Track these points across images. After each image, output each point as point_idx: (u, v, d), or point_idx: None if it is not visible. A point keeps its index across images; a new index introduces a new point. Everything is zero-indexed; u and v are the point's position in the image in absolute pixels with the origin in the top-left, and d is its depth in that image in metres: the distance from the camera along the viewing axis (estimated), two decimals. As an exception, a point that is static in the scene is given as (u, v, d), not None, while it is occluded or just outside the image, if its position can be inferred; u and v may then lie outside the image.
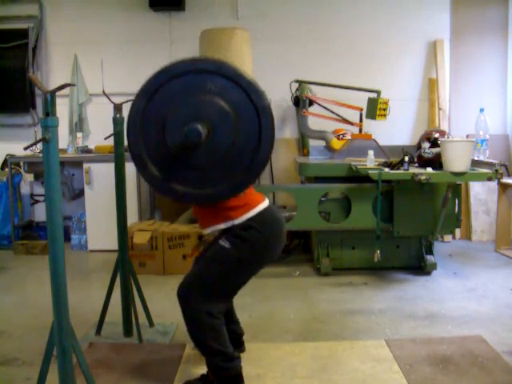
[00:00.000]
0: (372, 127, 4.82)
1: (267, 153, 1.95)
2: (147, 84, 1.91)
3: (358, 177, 3.96)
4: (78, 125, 5.51)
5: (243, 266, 2.24)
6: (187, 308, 2.22)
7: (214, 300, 2.22)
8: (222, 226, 2.21)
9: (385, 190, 3.92)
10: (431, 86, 5.46)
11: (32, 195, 5.62)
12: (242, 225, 2.18)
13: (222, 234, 2.24)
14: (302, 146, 5.30)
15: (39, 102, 5.43)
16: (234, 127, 1.90)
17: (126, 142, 3.04)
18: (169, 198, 2.10)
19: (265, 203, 2.27)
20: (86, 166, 5.03)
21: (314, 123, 4.86)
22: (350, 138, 4.63)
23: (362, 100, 4.66)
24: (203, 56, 2.19)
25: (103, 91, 3.14)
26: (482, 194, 5.33)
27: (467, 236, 5.37)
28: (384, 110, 4.43)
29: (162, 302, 3.57)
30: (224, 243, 2.19)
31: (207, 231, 2.31)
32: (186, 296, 2.23)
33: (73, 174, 5.43)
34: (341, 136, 4.68)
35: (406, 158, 3.69)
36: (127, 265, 2.94)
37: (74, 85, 5.42)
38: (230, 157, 1.94)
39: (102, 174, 4.94)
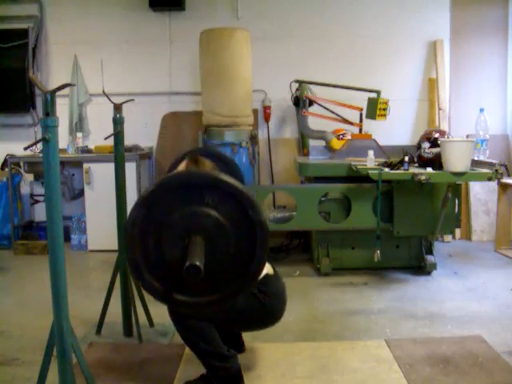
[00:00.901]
0: (372, 127, 4.82)
1: (261, 264, 1.98)
2: (146, 194, 1.92)
3: (357, 177, 3.96)
4: (78, 125, 5.50)
5: (237, 310, 2.26)
6: (173, 313, 2.24)
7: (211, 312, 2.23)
8: None
9: (385, 190, 3.92)
10: (431, 86, 5.46)
11: (32, 195, 5.62)
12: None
13: None
14: (302, 146, 5.31)
15: (39, 101, 5.43)
16: (230, 240, 1.93)
17: (126, 139, 3.05)
18: (169, 307, 2.15)
19: (268, 269, 2.38)
20: (85, 165, 5.03)
21: (313, 123, 4.86)
22: (350, 138, 4.63)
23: (362, 100, 4.66)
24: (203, 169, 2.21)
25: (103, 91, 3.14)
26: (481, 194, 5.33)
27: (467, 236, 5.37)
28: (384, 109, 4.43)
29: (162, 302, 3.57)
30: None
31: None
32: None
33: (73, 174, 5.43)
34: (341, 136, 4.68)
35: (406, 158, 3.69)
36: (127, 265, 2.94)
37: (74, 85, 5.42)
38: (227, 267, 1.97)
39: (101, 174, 4.94)
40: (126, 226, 1.95)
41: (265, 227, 1.94)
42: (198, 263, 1.76)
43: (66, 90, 5.06)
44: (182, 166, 2.43)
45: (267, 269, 2.34)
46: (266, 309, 2.32)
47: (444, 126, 5.29)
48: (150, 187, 1.94)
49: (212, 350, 2.24)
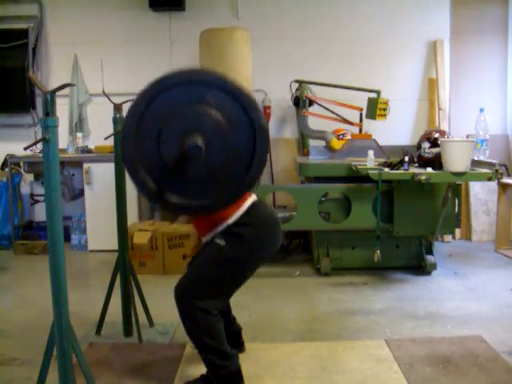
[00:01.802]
0: (372, 127, 4.82)
1: (259, 171, 1.95)
2: (147, 90, 1.89)
3: (358, 177, 3.96)
4: (78, 125, 5.50)
5: (239, 263, 2.24)
6: (182, 306, 2.24)
7: (209, 298, 2.22)
8: (219, 229, 2.22)
9: (385, 190, 3.92)
10: (431, 85, 5.46)
11: (32, 195, 5.62)
12: (236, 222, 2.20)
13: (217, 234, 2.24)
14: (302, 146, 5.31)
15: (39, 102, 5.42)
16: (229, 142, 1.89)
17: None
18: (160, 207, 2.11)
19: (252, 197, 2.28)
20: (85, 165, 5.03)
21: (313, 123, 4.86)
22: (350, 138, 4.63)
23: (362, 100, 4.66)
24: (206, 68, 2.15)
25: (103, 91, 3.14)
26: (481, 194, 5.33)
27: (467, 236, 5.37)
28: (384, 109, 4.43)
29: (162, 302, 3.56)
30: (219, 241, 2.20)
31: (207, 239, 2.31)
32: (181, 294, 2.24)
33: (73, 174, 5.43)
34: (341, 136, 4.68)
35: (406, 158, 3.69)
36: (127, 265, 2.94)
37: (74, 85, 5.41)
38: (223, 170, 1.93)
39: (101, 174, 4.94)
40: (124, 123, 1.92)
41: (265, 131, 1.90)
42: (199, 142, 1.73)
43: (66, 90, 5.05)
44: None
45: (252, 197, 2.29)
46: (259, 241, 2.24)
47: (444, 126, 5.29)
48: (151, 82, 1.88)
49: (215, 346, 2.23)
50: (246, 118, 1.87)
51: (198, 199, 1.97)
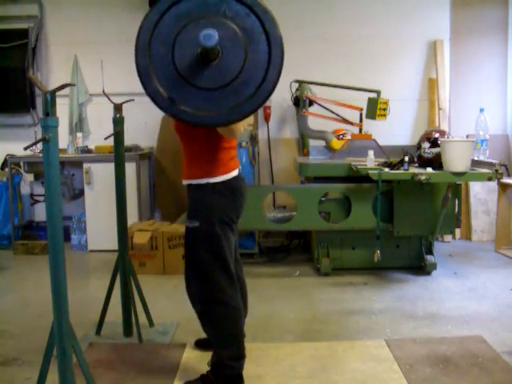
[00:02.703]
0: (372, 127, 4.82)
1: (273, 83, 1.95)
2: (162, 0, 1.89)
3: (358, 177, 3.96)
4: (78, 125, 5.50)
5: (218, 231, 2.25)
6: (198, 303, 2.26)
7: (219, 286, 2.25)
8: (198, 181, 2.26)
9: (385, 190, 3.92)
10: (431, 86, 5.46)
11: (32, 195, 5.62)
12: (214, 185, 2.24)
13: (187, 219, 2.30)
14: (302, 146, 5.31)
15: (39, 102, 5.42)
16: (244, 53, 1.89)
17: (126, 139, 3.04)
18: (169, 114, 2.06)
19: (238, 170, 2.34)
20: (85, 165, 5.03)
21: (313, 123, 4.86)
22: (350, 138, 4.63)
23: (362, 100, 4.66)
24: None
25: (103, 91, 3.14)
26: (481, 194, 5.33)
27: (467, 236, 5.37)
28: (384, 109, 4.42)
29: (162, 301, 3.57)
30: (192, 224, 2.26)
31: (185, 183, 2.35)
32: (192, 293, 2.28)
33: (73, 174, 5.43)
34: (341, 136, 4.68)
35: (406, 158, 3.69)
36: (127, 265, 2.94)
37: (74, 85, 5.41)
38: (237, 82, 1.92)
39: (101, 174, 4.94)
40: (138, 31, 1.90)
41: (280, 43, 1.90)
42: (214, 34, 1.73)
43: (66, 90, 5.05)
44: None
45: (238, 169, 2.35)
46: (224, 208, 2.29)
47: (444, 126, 5.29)
48: None
49: (231, 342, 2.27)
50: (261, 29, 1.88)
51: (209, 110, 1.96)
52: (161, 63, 1.91)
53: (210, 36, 1.75)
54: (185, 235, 2.35)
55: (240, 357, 2.30)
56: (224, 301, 2.24)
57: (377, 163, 3.98)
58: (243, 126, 2.20)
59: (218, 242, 2.25)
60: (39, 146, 4.48)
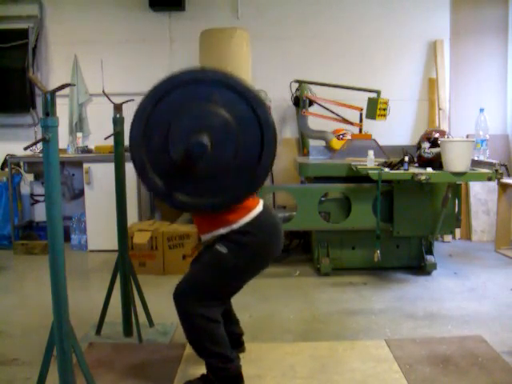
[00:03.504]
0: (372, 127, 4.82)
1: (267, 168, 1.95)
2: (154, 89, 1.88)
3: (358, 177, 3.96)
4: (78, 125, 5.50)
5: (239, 271, 2.23)
6: (182, 311, 2.23)
7: (209, 304, 2.22)
8: (221, 231, 2.19)
9: (385, 190, 3.92)
10: (431, 86, 5.46)
11: (32, 195, 5.62)
12: (239, 230, 2.17)
13: (219, 239, 2.22)
14: (302, 146, 5.31)
15: (39, 102, 5.42)
16: (237, 140, 1.88)
17: (127, 143, 3.05)
18: (169, 205, 2.09)
19: (260, 206, 2.25)
20: (85, 165, 5.03)
21: (313, 123, 4.86)
22: (350, 138, 4.63)
23: (362, 100, 4.66)
24: (212, 67, 2.14)
25: (103, 91, 3.14)
26: (481, 194, 5.33)
27: (467, 236, 5.37)
28: (384, 109, 4.43)
29: (162, 302, 3.56)
30: (221, 248, 2.18)
31: (206, 237, 2.29)
32: (181, 300, 2.23)
33: (73, 174, 5.43)
34: (341, 136, 4.68)
35: (406, 158, 3.69)
36: (127, 265, 2.94)
37: (74, 85, 5.41)
38: (232, 169, 1.93)
39: (101, 174, 4.94)
40: (132, 122, 1.92)
41: (273, 128, 1.90)
42: (204, 141, 1.73)
43: (66, 90, 5.05)
44: None
45: (260, 205, 2.25)
46: (259, 250, 2.23)
47: (444, 126, 5.29)
48: (157, 83, 1.88)
49: (217, 351, 2.23)
50: (252, 114, 1.87)
51: (207, 197, 1.97)
52: (155, 155, 1.92)
53: (201, 145, 1.75)
54: (207, 251, 2.29)
55: (230, 359, 2.27)
56: (209, 317, 2.20)
57: (377, 163, 3.98)
58: None
59: (233, 276, 2.22)
60: (39, 146, 4.48)
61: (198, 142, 1.75)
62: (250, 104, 1.86)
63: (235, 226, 2.16)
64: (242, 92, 1.86)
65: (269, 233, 2.27)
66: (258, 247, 2.21)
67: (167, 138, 1.89)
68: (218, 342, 2.23)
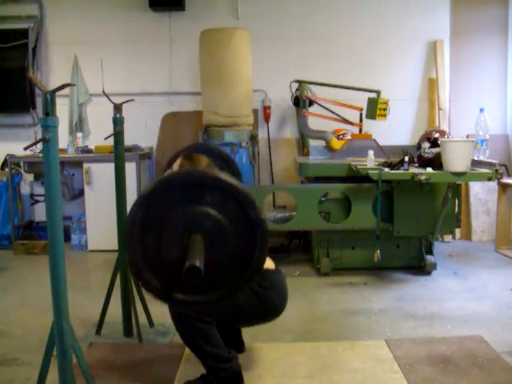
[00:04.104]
0: (372, 127, 4.82)
1: (259, 265, 1.98)
2: (145, 193, 1.90)
3: (358, 177, 3.96)
4: (78, 125, 5.50)
5: (242, 310, 2.29)
6: (175, 313, 2.24)
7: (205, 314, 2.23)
8: None
9: (385, 190, 3.92)
10: (431, 86, 5.46)
11: (32, 195, 5.62)
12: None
13: None
14: (302, 146, 5.31)
15: (39, 102, 5.42)
16: (229, 239, 1.92)
17: (126, 139, 3.04)
18: (169, 305, 2.12)
19: (275, 269, 2.41)
20: (85, 165, 5.03)
21: (314, 123, 4.86)
22: (349, 138, 4.63)
23: (362, 100, 4.66)
24: (201, 169, 2.20)
25: (103, 91, 3.14)
26: (481, 194, 5.33)
27: (467, 236, 5.37)
28: (384, 109, 4.42)
29: (162, 302, 3.56)
30: None
31: None
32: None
33: (73, 174, 5.43)
34: (341, 136, 4.68)
35: (406, 158, 3.69)
36: (127, 265, 2.94)
37: (74, 85, 5.42)
38: (225, 266, 1.95)
39: (102, 174, 4.94)
40: (125, 226, 1.95)
41: (264, 227, 1.93)
42: (198, 264, 1.75)
43: (66, 90, 5.06)
44: (176, 164, 2.43)
45: (267, 263, 2.32)
46: (266, 303, 2.33)
47: (444, 126, 5.29)
48: (148, 187, 1.93)
49: (213, 351, 2.23)
50: (244, 216, 1.90)
51: (203, 294, 1.99)
52: (150, 255, 1.92)
53: (195, 269, 1.75)
54: None
55: (227, 359, 2.28)
56: (202, 318, 2.21)
57: (377, 163, 3.98)
58: None
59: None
60: (39, 146, 4.48)
61: (192, 266, 1.75)
62: (242, 204, 1.89)
63: None
64: (232, 193, 1.89)
65: (274, 290, 2.38)
66: (265, 298, 2.32)
67: (160, 239, 1.91)
68: (213, 343, 2.25)
